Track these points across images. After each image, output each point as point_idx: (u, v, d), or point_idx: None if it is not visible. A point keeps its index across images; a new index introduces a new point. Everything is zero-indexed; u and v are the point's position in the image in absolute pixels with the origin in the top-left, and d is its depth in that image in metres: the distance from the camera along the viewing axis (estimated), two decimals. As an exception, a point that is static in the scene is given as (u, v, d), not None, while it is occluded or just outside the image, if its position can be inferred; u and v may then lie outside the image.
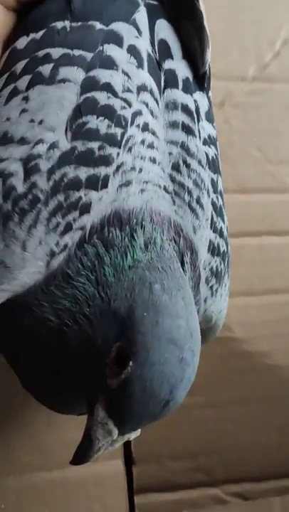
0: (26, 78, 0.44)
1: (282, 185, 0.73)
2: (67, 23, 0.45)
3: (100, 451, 0.40)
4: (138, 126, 0.44)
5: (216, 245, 0.48)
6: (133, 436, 0.41)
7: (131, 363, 0.38)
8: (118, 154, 0.42)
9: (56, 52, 0.44)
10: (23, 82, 0.44)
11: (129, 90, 0.44)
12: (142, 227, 0.41)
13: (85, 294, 0.40)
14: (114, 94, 0.43)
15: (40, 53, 0.44)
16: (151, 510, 0.70)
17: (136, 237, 0.41)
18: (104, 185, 0.42)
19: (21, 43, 0.46)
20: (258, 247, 0.73)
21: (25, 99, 0.43)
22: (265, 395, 0.73)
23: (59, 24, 0.45)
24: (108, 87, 0.43)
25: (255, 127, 0.72)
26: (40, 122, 0.42)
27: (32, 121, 0.42)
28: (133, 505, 0.69)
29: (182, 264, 0.43)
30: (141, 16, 0.47)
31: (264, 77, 0.73)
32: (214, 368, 0.69)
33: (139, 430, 0.42)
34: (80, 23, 0.45)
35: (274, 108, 0.73)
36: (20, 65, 0.44)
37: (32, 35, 0.45)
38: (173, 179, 0.45)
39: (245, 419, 0.72)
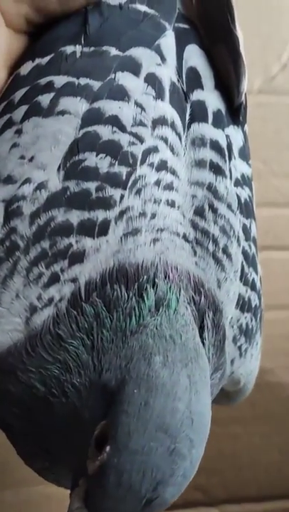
0: (23, 108, 0.40)
1: (286, 199, 0.73)
2: (78, 47, 0.41)
3: None
4: (151, 164, 0.39)
5: (246, 300, 0.42)
6: None
7: (108, 447, 0.32)
8: (122, 197, 0.37)
9: (60, 80, 0.40)
10: (19, 113, 0.40)
11: (141, 124, 0.39)
12: (153, 286, 0.35)
13: (77, 361, 0.34)
14: (122, 128, 0.38)
15: (43, 81, 0.40)
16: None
17: (145, 298, 0.35)
18: (103, 233, 0.36)
19: (26, 68, 0.42)
20: (261, 261, 0.71)
21: (19, 132, 0.39)
22: (266, 413, 0.71)
23: (69, 49, 0.41)
24: (115, 121, 0.38)
25: (260, 140, 0.72)
26: (31, 159, 0.38)
27: (22, 157, 0.38)
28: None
29: (201, 329, 0.37)
30: (167, 41, 0.42)
31: (270, 89, 0.72)
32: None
33: None
34: (92, 49, 0.41)
35: (279, 121, 0.73)
36: (19, 93, 0.41)
37: (38, 61, 0.41)
38: (195, 226, 0.39)
39: (245, 437, 0.71)
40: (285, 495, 0.72)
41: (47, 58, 0.41)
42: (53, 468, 0.38)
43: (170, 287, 0.36)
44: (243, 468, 0.71)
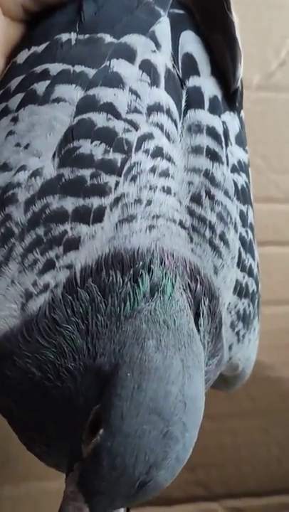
0: (19, 96, 0.40)
1: (285, 195, 0.72)
2: (73, 35, 0.41)
3: None
4: (147, 151, 0.39)
5: (243, 285, 0.42)
6: None
7: (101, 431, 0.32)
8: (117, 184, 0.37)
9: (55, 68, 0.40)
10: (15, 101, 0.40)
11: (136, 111, 0.39)
12: (149, 272, 0.35)
13: (72, 346, 0.34)
14: (117, 115, 0.39)
15: (38, 69, 0.40)
16: (146, 525, 0.68)
17: (140, 283, 0.35)
18: (98, 219, 0.37)
19: (22, 56, 0.42)
20: (261, 257, 0.71)
21: (15, 120, 0.39)
22: (266, 408, 0.71)
23: (64, 36, 0.41)
24: (109, 108, 0.39)
25: (259, 136, 0.72)
26: (26, 146, 0.38)
27: (18, 145, 0.38)
28: (128, 519, 0.67)
29: (197, 315, 0.37)
30: (161, 27, 0.42)
31: (269, 86, 0.72)
32: (214, 379, 0.68)
33: (122, 510, 0.35)
34: (87, 36, 0.41)
35: (278, 117, 0.73)
36: (15, 82, 0.41)
37: (34, 49, 0.42)
38: (192, 212, 0.39)
39: (245, 432, 0.71)
40: (286, 489, 0.72)
41: (43, 46, 0.41)
42: (51, 453, 0.38)
43: (165, 273, 0.36)
44: (243, 463, 0.71)
